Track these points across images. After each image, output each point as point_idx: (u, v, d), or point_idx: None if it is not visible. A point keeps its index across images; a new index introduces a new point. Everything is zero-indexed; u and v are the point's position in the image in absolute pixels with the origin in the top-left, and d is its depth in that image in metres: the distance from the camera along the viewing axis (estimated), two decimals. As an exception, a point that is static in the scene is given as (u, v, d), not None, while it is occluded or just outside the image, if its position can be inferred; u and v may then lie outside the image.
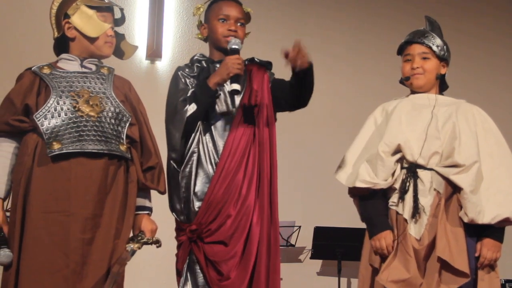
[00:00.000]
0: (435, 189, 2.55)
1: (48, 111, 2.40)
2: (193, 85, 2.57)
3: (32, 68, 2.51)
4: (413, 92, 2.78)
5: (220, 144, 2.52)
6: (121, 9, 2.66)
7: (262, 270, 2.42)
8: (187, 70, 2.62)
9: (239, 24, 2.65)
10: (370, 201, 2.64)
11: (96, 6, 2.56)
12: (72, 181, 2.35)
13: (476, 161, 2.54)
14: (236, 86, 2.48)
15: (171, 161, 2.54)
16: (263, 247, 2.45)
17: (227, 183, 2.47)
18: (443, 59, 2.75)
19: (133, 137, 2.50)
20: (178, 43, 5.30)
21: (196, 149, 2.51)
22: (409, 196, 2.56)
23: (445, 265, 2.47)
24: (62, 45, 2.60)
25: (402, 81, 2.80)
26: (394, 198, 2.61)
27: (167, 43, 5.25)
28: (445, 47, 2.75)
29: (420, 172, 2.57)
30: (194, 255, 2.48)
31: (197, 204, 2.48)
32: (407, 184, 2.57)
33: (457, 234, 2.50)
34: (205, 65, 2.63)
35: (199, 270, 2.47)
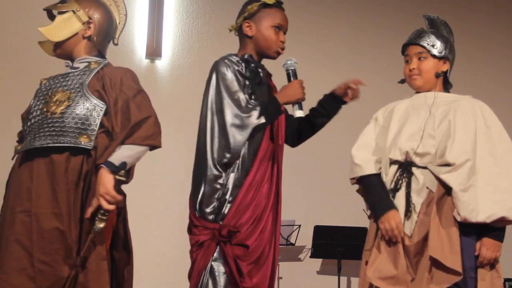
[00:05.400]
0: (427, 188, 2.56)
1: (28, 118, 2.52)
2: (246, 86, 2.58)
3: None
4: (416, 91, 2.80)
5: (253, 153, 2.56)
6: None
7: (274, 282, 2.56)
8: (237, 67, 2.60)
9: (284, 34, 2.73)
10: (372, 188, 2.67)
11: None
12: (34, 181, 2.39)
13: (468, 159, 2.53)
14: (302, 113, 2.59)
15: (221, 163, 2.53)
16: (277, 254, 2.56)
17: (254, 191, 2.52)
18: (442, 57, 2.75)
19: (106, 126, 2.47)
20: (178, 42, 5.31)
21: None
22: (401, 194, 2.58)
23: (436, 264, 2.47)
24: None
25: (401, 82, 2.83)
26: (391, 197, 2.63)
27: (167, 42, 5.25)
28: (443, 45, 2.75)
29: (415, 170, 2.59)
30: (222, 254, 2.49)
31: (228, 206, 2.51)
32: (401, 181, 2.59)
33: (451, 233, 2.49)
34: (254, 68, 2.63)
35: (221, 271, 2.48)
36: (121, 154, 2.38)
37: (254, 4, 2.70)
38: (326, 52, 5.29)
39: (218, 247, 2.50)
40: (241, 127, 2.49)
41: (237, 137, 2.49)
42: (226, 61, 2.60)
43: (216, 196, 2.52)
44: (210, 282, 2.47)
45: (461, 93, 2.78)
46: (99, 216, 2.34)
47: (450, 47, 2.78)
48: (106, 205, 2.33)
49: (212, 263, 2.49)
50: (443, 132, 2.60)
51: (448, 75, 2.79)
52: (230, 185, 2.52)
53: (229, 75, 2.55)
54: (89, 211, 2.34)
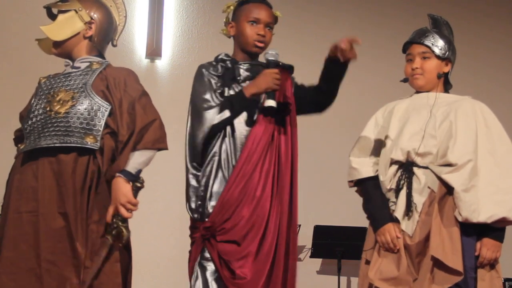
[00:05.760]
0: (429, 187, 2.57)
1: (28, 116, 2.50)
2: (218, 85, 2.58)
3: None
4: (417, 91, 2.80)
5: (240, 147, 2.54)
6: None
7: (280, 272, 2.47)
8: (211, 69, 2.62)
9: (268, 28, 2.66)
10: (370, 196, 2.68)
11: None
12: (39, 181, 2.39)
13: (470, 160, 2.54)
14: (273, 103, 2.51)
15: (194, 161, 2.55)
16: (281, 248, 2.49)
17: (243, 185, 2.49)
18: (445, 58, 2.75)
19: (112, 127, 2.48)
20: (178, 41, 5.30)
21: (217, 151, 2.53)
22: (402, 193, 2.58)
23: (438, 264, 2.48)
24: None
25: (404, 81, 2.82)
26: (392, 197, 2.63)
27: (167, 41, 5.25)
28: (446, 45, 2.75)
29: (416, 170, 2.59)
30: (208, 253, 2.49)
31: (212, 203, 2.50)
32: (402, 182, 2.60)
33: (452, 233, 2.50)
34: (229, 65, 2.63)
35: (209, 268, 2.48)
36: (136, 161, 2.43)
37: (231, 4, 2.73)
38: (326, 52, 5.27)
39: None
40: (201, 123, 2.51)
41: (198, 133, 2.51)
42: (203, 64, 2.64)
43: (197, 195, 2.53)
44: (200, 277, 2.48)
45: (461, 93, 2.79)
46: (121, 224, 2.38)
47: (453, 49, 2.79)
48: (126, 214, 2.38)
49: (202, 260, 2.49)
50: (445, 133, 2.61)
51: (449, 76, 2.80)
52: (211, 182, 2.51)
53: (200, 77, 2.59)
54: (109, 217, 2.37)
